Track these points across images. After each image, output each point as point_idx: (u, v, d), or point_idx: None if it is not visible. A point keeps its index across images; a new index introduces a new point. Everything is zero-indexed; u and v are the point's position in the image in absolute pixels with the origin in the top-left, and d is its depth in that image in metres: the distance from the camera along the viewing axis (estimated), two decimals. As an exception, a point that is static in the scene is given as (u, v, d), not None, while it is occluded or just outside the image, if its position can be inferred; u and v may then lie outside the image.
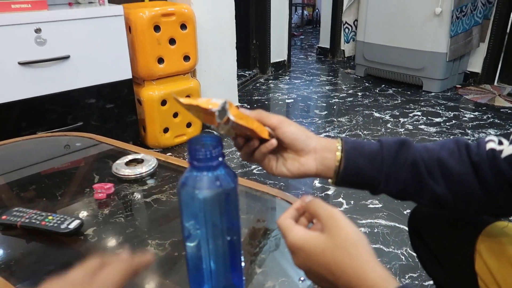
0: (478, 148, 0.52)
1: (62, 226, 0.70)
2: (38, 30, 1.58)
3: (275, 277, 0.62)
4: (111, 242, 0.72)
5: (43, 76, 1.65)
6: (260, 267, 0.64)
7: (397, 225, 1.48)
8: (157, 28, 1.94)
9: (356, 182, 0.54)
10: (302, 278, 0.61)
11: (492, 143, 0.51)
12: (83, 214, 0.79)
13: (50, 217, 0.73)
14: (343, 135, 2.38)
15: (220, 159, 0.49)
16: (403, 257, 1.30)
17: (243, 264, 0.56)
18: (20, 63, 1.56)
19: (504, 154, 0.49)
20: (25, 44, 1.56)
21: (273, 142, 0.54)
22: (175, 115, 2.12)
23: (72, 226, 0.71)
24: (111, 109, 1.91)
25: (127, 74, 1.90)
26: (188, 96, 2.11)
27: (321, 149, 0.54)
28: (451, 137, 0.49)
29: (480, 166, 0.50)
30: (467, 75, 3.35)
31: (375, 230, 1.45)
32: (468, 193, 0.51)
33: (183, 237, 0.52)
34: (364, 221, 1.51)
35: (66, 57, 1.68)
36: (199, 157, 0.48)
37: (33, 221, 0.72)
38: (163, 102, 2.05)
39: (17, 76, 1.58)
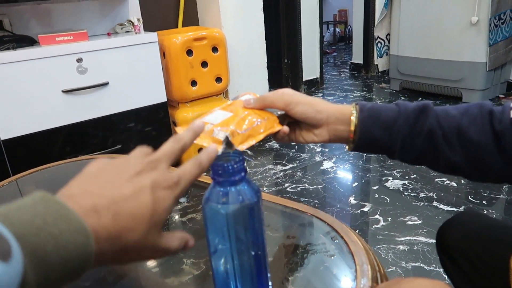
0: (502, 115, 0.49)
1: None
2: (79, 60, 1.68)
3: (303, 294, 0.60)
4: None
5: (85, 103, 1.74)
6: (290, 283, 0.63)
7: (438, 242, 1.41)
8: (189, 52, 2.02)
9: (371, 150, 0.56)
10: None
11: None
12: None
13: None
14: (379, 150, 2.33)
15: (242, 174, 0.50)
16: (445, 276, 1.23)
17: (269, 280, 0.56)
18: (63, 91, 1.67)
19: None
20: (67, 73, 1.67)
21: (285, 129, 0.55)
22: (209, 135, 2.17)
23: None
24: (148, 131, 1.98)
25: (162, 98, 1.97)
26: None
27: (333, 122, 0.55)
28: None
29: (502, 135, 0.48)
30: (510, 84, 3.20)
31: (415, 248, 1.39)
32: (487, 162, 0.50)
33: (209, 252, 0.52)
34: (403, 239, 1.45)
35: (106, 84, 1.77)
36: (221, 172, 0.48)
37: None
38: (197, 123, 2.10)
39: (61, 104, 1.68)
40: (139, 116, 1.93)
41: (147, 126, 1.97)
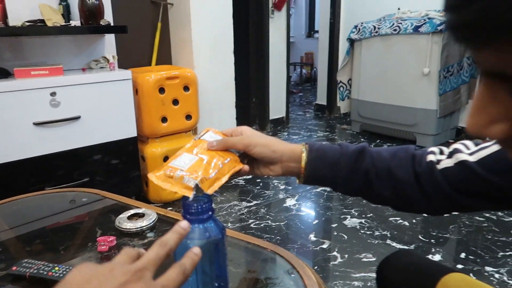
0: (421, 159, 0.60)
1: (68, 276, 0.77)
2: (53, 94, 1.72)
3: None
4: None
5: (55, 135, 1.77)
6: (248, 314, 0.70)
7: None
8: (161, 90, 2.10)
9: (318, 183, 0.66)
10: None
11: (431, 155, 0.60)
12: (87, 265, 0.85)
13: (56, 268, 0.79)
14: (339, 189, 2.45)
15: (210, 213, 0.57)
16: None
17: (230, 309, 0.62)
18: (34, 124, 1.69)
19: (440, 167, 0.58)
20: (40, 106, 1.70)
21: (245, 168, 0.65)
22: (177, 170, 2.22)
23: (76, 276, 0.77)
24: (116, 165, 2.01)
25: (132, 132, 2.02)
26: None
27: (286, 160, 0.64)
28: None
29: (421, 176, 0.59)
30: (459, 130, 3.48)
31: (368, 284, 1.48)
32: (410, 197, 0.60)
33: (176, 284, 0.59)
34: (358, 275, 1.54)
35: (77, 118, 1.81)
36: (191, 211, 0.56)
37: (41, 272, 0.78)
38: (165, 159, 2.16)
39: (30, 135, 1.70)
40: (108, 150, 1.96)
41: (114, 159, 2.00)
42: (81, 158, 1.88)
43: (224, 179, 0.62)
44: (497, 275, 1.56)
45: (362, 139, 3.49)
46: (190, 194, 0.57)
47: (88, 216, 1.14)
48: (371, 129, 3.60)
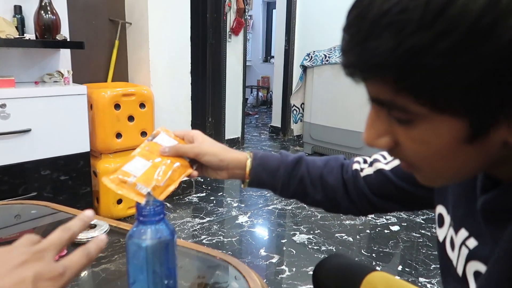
0: (348, 167, 0.70)
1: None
2: (3, 105, 1.69)
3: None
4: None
5: (2, 148, 1.72)
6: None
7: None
8: (117, 106, 2.11)
9: (260, 187, 0.74)
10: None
11: (356, 164, 0.70)
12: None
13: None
14: (289, 207, 2.55)
15: (161, 215, 0.63)
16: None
17: (178, 307, 0.67)
18: (-19, 135, 1.64)
19: (363, 174, 0.68)
20: (-12, 117, 1.66)
21: (194, 174, 0.71)
22: (130, 186, 2.21)
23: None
24: (67, 180, 1.97)
25: (85, 147, 2.00)
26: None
27: (232, 167, 0.71)
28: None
29: (347, 182, 0.69)
30: (401, 154, 3.73)
31: (314, 295, 1.55)
32: (339, 201, 0.70)
33: (128, 283, 0.63)
34: (304, 287, 1.61)
35: (28, 130, 1.78)
36: (144, 213, 0.61)
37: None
38: (118, 174, 2.14)
39: (-25, 147, 1.64)
40: (57, 165, 1.93)
41: (64, 175, 1.97)
42: (29, 172, 1.84)
43: (174, 185, 0.67)
44: (429, 285, 1.70)
45: (313, 161, 3.64)
46: (142, 201, 0.62)
47: (36, 227, 1.13)
48: (322, 151, 3.77)
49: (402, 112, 0.35)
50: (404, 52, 0.31)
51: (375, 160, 0.68)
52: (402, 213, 2.42)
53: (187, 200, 2.58)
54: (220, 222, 2.27)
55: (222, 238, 2.08)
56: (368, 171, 0.68)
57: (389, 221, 2.34)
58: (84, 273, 0.87)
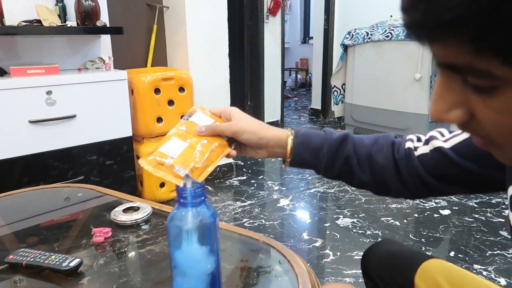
0: (400, 146, 0.63)
1: (64, 264, 0.78)
2: (49, 92, 1.74)
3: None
4: (107, 280, 0.80)
5: (50, 134, 1.78)
6: (239, 298, 0.72)
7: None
8: (157, 91, 2.12)
9: (301, 167, 0.69)
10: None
11: (409, 142, 0.63)
12: (84, 254, 0.87)
13: (52, 256, 0.81)
14: (332, 190, 2.48)
15: (202, 198, 0.60)
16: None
17: (222, 291, 0.64)
18: (30, 122, 1.70)
19: (417, 153, 0.61)
20: (36, 104, 1.72)
21: (233, 153, 0.67)
22: (171, 170, 2.23)
23: (72, 264, 0.78)
24: (111, 164, 2.02)
25: (127, 132, 2.04)
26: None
27: (272, 145, 0.67)
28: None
29: (399, 162, 0.62)
30: (450, 134, 3.53)
31: (360, 280, 1.50)
32: (389, 183, 0.63)
33: (170, 267, 0.61)
34: (349, 272, 1.56)
35: (73, 116, 1.82)
36: (184, 196, 0.58)
37: (37, 260, 0.80)
38: (160, 158, 2.17)
39: (25, 133, 1.71)
40: (103, 149, 1.97)
41: (109, 159, 2.01)
42: (76, 157, 1.89)
43: (213, 166, 0.64)
44: (485, 273, 1.59)
45: (355, 143, 3.53)
46: (180, 183, 0.59)
47: (83, 210, 1.16)
48: (364, 133, 3.63)
49: (483, 78, 0.28)
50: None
51: (432, 138, 0.61)
52: (453, 197, 2.29)
53: (228, 183, 2.59)
54: (262, 205, 2.26)
55: (263, 221, 2.06)
56: (423, 149, 0.61)
57: (438, 205, 2.22)
58: (130, 254, 0.88)
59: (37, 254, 0.82)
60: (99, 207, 1.17)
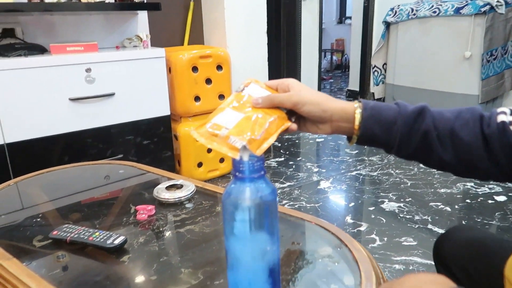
0: (490, 120, 0.54)
1: (108, 242, 0.75)
2: (88, 70, 1.72)
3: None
4: (148, 260, 0.75)
5: (90, 112, 1.77)
6: (298, 285, 0.65)
7: (433, 263, 1.43)
8: (195, 69, 2.07)
9: (371, 144, 0.60)
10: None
11: (503, 115, 0.53)
12: (127, 232, 0.84)
13: (97, 233, 0.77)
14: (375, 173, 2.37)
15: (262, 172, 0.53)
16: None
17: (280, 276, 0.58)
18: (70, 99, 1.70)
19: None
20: (76, 82, 1.71)
21: (293, 127, 0.60)
22: (209, 150, 2.20)
23: (117, 242, 0.75)
24: (148, 144, 2.00)
25: (165, 111, 2.00)
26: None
27: (337, 119, 0.59)
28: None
29: (490, 138, 0.53)
30: (501, 117, 3.30)
31: (410, 268, 1.41)
32: (475, 162, 0.54)
33: (226, 246, 0.55)
34: (398, 258, 1.47)
35: (112, 94, 1.81)
36: (242, 169, 0.51)
37: (82, 236, 0.77)
38: (198, 138, 2.13)
39: (66, 111, 1.71)
40: (141, 128, 1.96)
41: (147, 138, 1.99)
42: (114, 136, 1.88)
43: (272, 138, 0.57)
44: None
45: (397, 125, 3.37)
46: (236, 155, 0.52)
47: (125, 187, 1.13)
48: (407, 115, 3.47)
49: None
50: None
51: None
52: (508, 182, 2.12)
53: (265, 164, 2.52)
54: (301, 187, 2.18)
55: (304, 203, 1.99)
56: None
57: (492, 190, 2.07)
58: (169, 233, 0.84)
59: (81, 231, 0.79)
60: (141, 184, 1.14)
